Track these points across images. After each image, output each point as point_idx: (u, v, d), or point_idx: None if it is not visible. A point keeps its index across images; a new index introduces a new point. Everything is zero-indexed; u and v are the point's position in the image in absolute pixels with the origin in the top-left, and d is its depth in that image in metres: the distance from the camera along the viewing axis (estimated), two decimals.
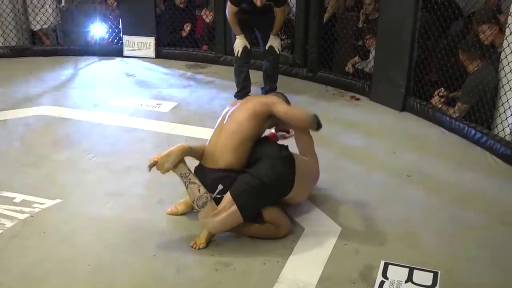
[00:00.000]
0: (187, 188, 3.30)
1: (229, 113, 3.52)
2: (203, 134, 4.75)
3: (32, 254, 3.26)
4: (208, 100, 5.59)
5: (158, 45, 6.75)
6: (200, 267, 3.20)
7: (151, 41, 6.73)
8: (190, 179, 3.29)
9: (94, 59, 6.92)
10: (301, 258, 3.29)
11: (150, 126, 5.02)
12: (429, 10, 5.22)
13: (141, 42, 6.75)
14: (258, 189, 3.30)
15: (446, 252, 3.37)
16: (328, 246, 3.39)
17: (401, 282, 3.10)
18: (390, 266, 3.21)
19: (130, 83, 6.05)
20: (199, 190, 3.28)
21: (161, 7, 7.03)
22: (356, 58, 6.10)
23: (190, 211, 3.64)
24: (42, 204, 3.75)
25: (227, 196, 3.27)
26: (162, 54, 6.80)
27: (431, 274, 3.16)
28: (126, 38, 6.78)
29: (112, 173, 4.22)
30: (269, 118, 3.52)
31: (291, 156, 3.49)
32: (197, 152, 3.44)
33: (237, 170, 3.36)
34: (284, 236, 3.43)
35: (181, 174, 3.31)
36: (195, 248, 3.33)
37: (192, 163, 3.44)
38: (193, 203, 3.31)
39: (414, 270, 3.18)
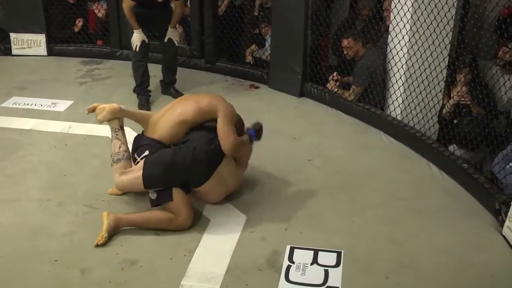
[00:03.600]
0: (111, 141, 3.64)
1: (183, 97, 3.86)
2: (101, 131, 4.62)
3: None
4: (106, 97, 5.42)
5: (49, 42, 6.47)
6: (105, 268, 3.12)
7: (41, 38, 6.43)
8: (117, 135, 3.65)
9: None
10: (208, 250, 3.30)
11: (45, 127, 4.81)
12: None
13: (31, 40, 6.43)
14: (167, 165, 3.39)
15: (348, 231, 3.50)
16: (234, 235, 3.42)
17: (306, 265, 3.19)
18: (295, 250, 3.29)
19: (22, 83, 5.75)
20: (119, 147, 3.59)
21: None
22: (253, 46, 6.15)
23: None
24: None
25: (141, 162, 3.46)
26: (54, 51, 6.52)
27: (335, 254, 3.27)
28: (13, 36, 6.44)
29: (7, 178, 4.02)
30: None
31: (217, 153, 3.49)
32: (135, 116, 3.80)
33: (166, 144, 3.54)
34: (184, 227, 3.42)
35: (112, 128, 3.68)
36: (99, 243, 3.29)
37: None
38: (110, 157, 3.59)
39: (319, 252, 3.28)
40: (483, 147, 4.26)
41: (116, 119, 3.68)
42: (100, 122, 3.74)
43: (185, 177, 3.44)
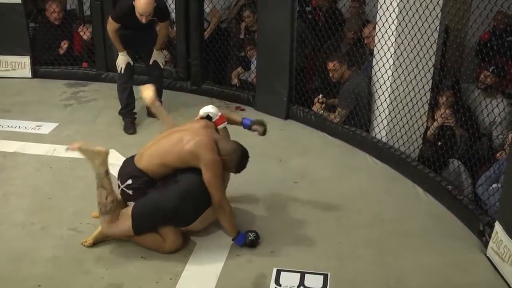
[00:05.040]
0: (97, 189, 3.34)
1: (177, 129, 3.60)
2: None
3: None
4: (91, 119, 5.42)
5: (34, 64, 6.45)
6: None
7: (26, 60, 6.40)
8: (103, 183, 3.32)
9: None
10: (194, 274, 3.29)
11: (29, 149, 4.77)
12: (304, 20, 5.40)
13: (15, 62, 6.39)
14: (155, 212, 3.35)
15: (334, 253, 3.51)
16: (221, 258, 3.41)
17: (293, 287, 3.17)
18: (282, 273, 3.29)
19: (6, 105, 5.71)
20: (106, 197, 3.32)
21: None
22: (239, 69, 6.18)
23: None
24: None
25: (128, 210, 3.37)
26: (39, 73, 6.48)
27: (321, 277, 3.28)
28: None
29: None
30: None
31: (206, 199, 3.43)
32: (163, 118, 3.91)
33: (150, 176, 3.47)
34: (170, 251, 3.41)
35: (97, 173, 3.33)
36: (84, 245, 3.42)
37: None
38: (98, 205, 3.35)
39: (306, 274, 3.29)
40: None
41: (102, 164, 3.30)
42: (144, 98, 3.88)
43: (173, 220, 3.43)
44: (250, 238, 3.49)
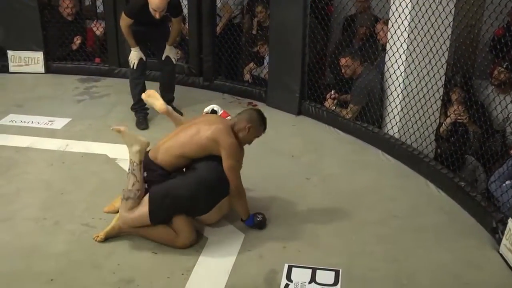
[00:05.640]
0: (127, 174, 3.44)
1: (191, 122, 3.63)
2: (99, 149, 4.63)
3: None
4: (103, 114, 5.44)
5: (47, 59, 6.48)
6: (101, 287, 3.10)
7: (39, 55, 6.44)
8: (134, 170, 3.41)
9: None
10: (205, 269, 3.29)
11: (42, 144, 4.79)
12: (316, 16, 5.38)
13: (29, 57, 6.44)
14: (172, 200, 3.36)
15: (346, 249, 3.50)
16: (232, 254, 3.41)
17: (305, 284, 3.17)
18: (293, 269, 3.28)
19: (19, 100, 5.75)
20: (133, 184, 3.38)
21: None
22: (251, 64, 6.18)
23: None
24: None
25: (146, 197, 3.39)
26: (52, 69, 6.53)
27: (333, 273, 3.26)
28: (11, 53, 6.44)
29: (2, 196, 3.98)
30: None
31: (224, 189, 3.47)
32: (176, 121, 3.85)
33: (166, 170, 3.49)
34: (183, 246, 3.42)
35: (131, 161, 3.43)
36: (96, 240, 3.45)
37: None
38: (122, 190, 3.42)
39: (317, 270, 3.28)
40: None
41: (139, 152, 3.43)
42: (144, 99, 3.97)
43: (190, 208, 3.45)
44: (258, 219, 3.60)
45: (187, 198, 3.38)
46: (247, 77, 6.13)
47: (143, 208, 3.37)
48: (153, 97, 3.92)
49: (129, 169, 3.44)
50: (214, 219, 3.63)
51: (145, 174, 3.48)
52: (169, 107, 3.99)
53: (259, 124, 3.60)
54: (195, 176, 3.44)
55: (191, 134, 3.50)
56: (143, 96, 4.00)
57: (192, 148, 3.47)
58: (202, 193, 3.41)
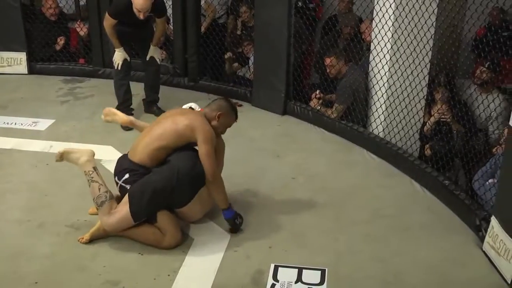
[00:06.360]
0: (89, 185, 3.42)
1: (164, 116, 3.67)
2: None
3: None
4: (87, 115, 5.40)
5: (30, 60, 6.42)
6: None
7: (22, 56, 6.38)
8: (92, 177, 3.42)
9: None
10: (192, 269, 3.28)
11: (26, 146, 4.75)
12: (301, 16, 5.40)
13: (11, 58, 6.38)
14: (151, 195, 3.35)
15: (332, 249, 3.50)
16: (218, 254, 3.40)
17: (291, 283, 3.18)
18: (280, 269, 3.29)
19: (2, 101, 5.69)
20: (99, 189, 3.39)
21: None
22: (236, 64, 6.17)
23: None
24: None
25: (125, 197, 3.39)
26: (35, 69, 6.47)
27: (319, 272, 3.27)
28: None
29: None
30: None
31: (201, 177, 3.47)
32: (142, 129, 3.78)
33: (147, 167, 3.49)
34: (169, 247, 3.40)
35: (85, 172, 3.44)
36: (81, 242, 3.42)
37: None
38: (93, 200, 3.41)
39: (303, 270, 3.28)
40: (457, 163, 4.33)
41: (89, 161, 3.45)
42: (106, 121, 3.98)
43: (170, 200, 3.45)
44: (237, 221, 3.59)
45: (164, 190, 3.38)
46: (228, 67, 6.11)
47: (124, 207, 3.36)
48: (111, 115, 3.95)
49: (88, 180, 3.41)
50: (198, 215, 3.64)
51: (127, 176, 3.47)
52: (131, 117, 4.04)
53: (229, 111, 3.62)
54: (169, 167, 3.45)
55: (167, 125, 3.53)
56: (103, 118, 4.00)
57: (169, 138, 3.48)
58: (179, 182, 3.40)
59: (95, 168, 3.44)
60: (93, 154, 3.51)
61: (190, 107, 3.86)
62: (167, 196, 3.41)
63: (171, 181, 3.39)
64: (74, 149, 3.51)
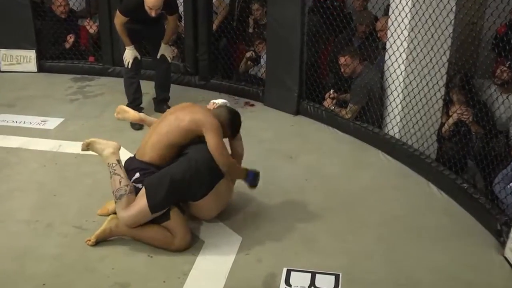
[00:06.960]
0: (111, 178, 3.39)
1: (168, 113, 3.64)
2: None
3: None
4: (97, 114, 5.35)
5: (40, 58, 6.38)
6: None
7: (31, 54, 6.34)
8: (115, 170, 3.40)
9: None
10: (202, 272, 3.21)
11: (34, 145, 4.69)
12: (316, 14, 5.29)
13: (21, 56, 6.34)
14: (168, 186, 3.30)
15: (345, 251, 3.42)
16: (230, 257, 3.33)
17: None
18: (292, 273, 3.20)
19: (10, 100, 5.65)
20: (120, 182, 3.36)
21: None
22: (249, 63, 6.08)
23: None
24: None
25: (142, 190, 3.34)
26: (45, 67, 6.42)
27: (333, 277, 3.18)
28: (2, 51, 6.35)
29: None
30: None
31: (218, 169, 3.43)
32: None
33: (158, 166, 3.44)
34: (179, 249, 3.34)
35: (108, 164, 3.42)
36: (87, 244, 3.36)
37: None
38: (113, 193, 3.37)
39: (316, 275, 3.19)
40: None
41: (113, 154, 3.45)
42: (118, 119, 3.98)
43: (187, 191, 3.39)
44: (258, 180, 3.64)
45: (183, 180, 3.33)
46: (242, 68, 6.04)
47: (141, 200, 3.31)
48: (122, 112, 3.94)
49: (110, 172, 3.39)
50: (213, 211, 3.59)
51: (138, 175, 3.42)
52: (142, 114, 4.00)
53: (227, 121, 3.59)
54: (187, 159, 3.42)
55: (171, 122, 3.51)
56: (116, 116, 3.98)
57: (177, 134, 3.46)
58: (197, 173, 3.36)
59: (118, 161, 3.43)
60: (119, 148, 3.50)
61: (214, 103, 3.84)
62: (185, 187, 3.36)
63: (189, 171, 3.35)
64: (101, 141, 3.50)
